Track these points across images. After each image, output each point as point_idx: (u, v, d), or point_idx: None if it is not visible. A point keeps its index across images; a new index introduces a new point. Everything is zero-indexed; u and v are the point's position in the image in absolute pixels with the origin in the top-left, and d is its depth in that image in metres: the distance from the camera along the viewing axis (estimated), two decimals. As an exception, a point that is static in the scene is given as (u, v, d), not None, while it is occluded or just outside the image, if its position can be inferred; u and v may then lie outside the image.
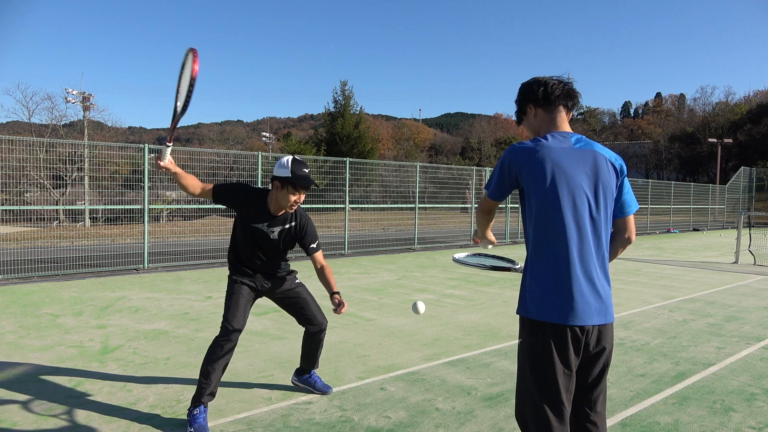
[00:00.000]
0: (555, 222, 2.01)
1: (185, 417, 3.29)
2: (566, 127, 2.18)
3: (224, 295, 3.50)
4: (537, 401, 2.00)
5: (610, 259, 2.19)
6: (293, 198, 3.25)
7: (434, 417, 3.39)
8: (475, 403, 3.61)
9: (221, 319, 3.39)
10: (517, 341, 5.15)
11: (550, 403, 1.98)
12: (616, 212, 2.16)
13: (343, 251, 12.41)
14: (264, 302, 6.79)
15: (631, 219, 2.19)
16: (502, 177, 2.14)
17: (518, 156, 2.08)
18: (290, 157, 3.25)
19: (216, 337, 3.31)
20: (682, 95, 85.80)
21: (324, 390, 3.76)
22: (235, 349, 4.78)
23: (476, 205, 2.42)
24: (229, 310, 3.38)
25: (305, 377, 3.81)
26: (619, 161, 2.16)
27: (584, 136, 2.16)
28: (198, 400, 3.19)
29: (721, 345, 5.20)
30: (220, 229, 14.37)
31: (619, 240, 2.21)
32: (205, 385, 3.20)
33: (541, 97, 2.16)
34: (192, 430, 3.09)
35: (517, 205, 16.69)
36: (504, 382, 4.03)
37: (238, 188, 3.42)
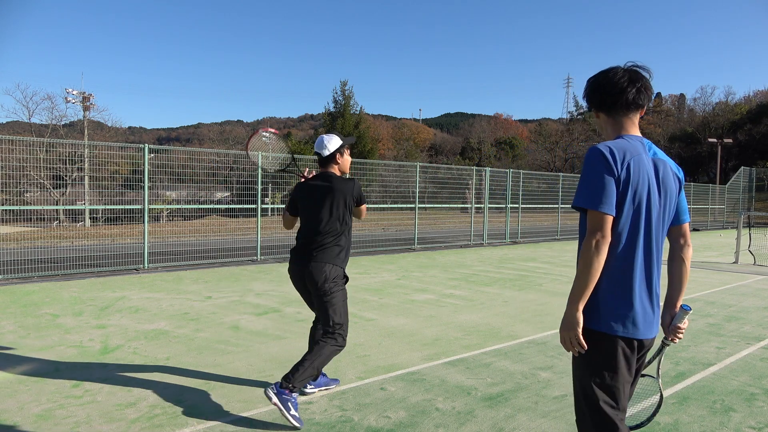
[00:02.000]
0: (632, 235, 1.91)
1: (186, 417, 3.29)
2: (636, 131, 2.03)
3: (225, 295, 3.52)
4: (607, 414, 1.92)
5: (686, 272, 2.10)
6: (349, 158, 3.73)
7: (434, 417, 3.39)
8: (475, 403, 3.61)
9: (338, 328, 3.46)
10: (516, 341, 5.15)
11: (615, 416, 1.92)
12: (672, 220, 2.09)
13: (343, 251, 12.39)
14: (264, 302, 6.82)
15: (687, 226, 2.11)
16: (609, 181, 1.86)
17: (623, 157, 1.89)
18: (324, 135, 3.63)
19: (338, 344, 3.44)
20: (682, 95, 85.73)
21: (334, 382, 3.89)
22: (235, 349, 4.81)
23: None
24: (348, 319, 3.56)
25: (321, 380, 3.81)
26: (680, 172, 2.07)
27: (650, 142, 2.04)
28: (301, 386, 3.30)
29: (721, 345, 5.20)
30: (220, 229, 14.37)
31: (678, 249, 2.10)
32: (312, 376, 3.37)
33: (600, 103, 2.03)
34: (296, 414, 3.22)
35: (516, 205, 16.79)
36: (504, 382, 4.03)
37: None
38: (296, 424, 3.16)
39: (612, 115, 2.03)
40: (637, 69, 2.01)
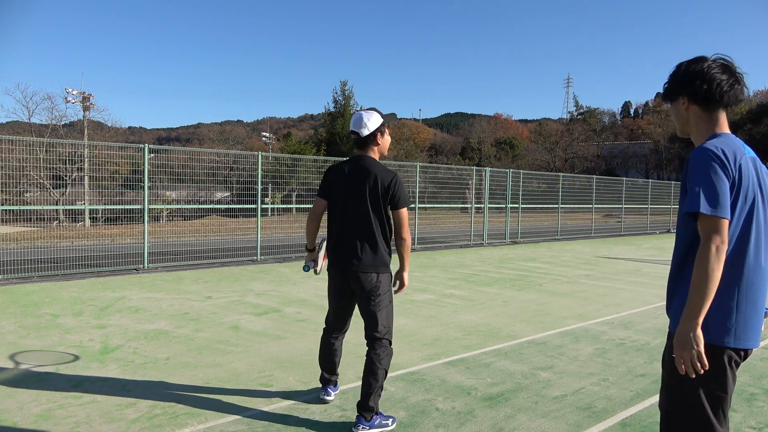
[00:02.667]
0: (743, 239, 1.82)
1: (186, 417, 3.29)
2: (727, 128, 1.92)
3: (225, 295, 3.49)
4: (713, 428, 1.84)
5: None
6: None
7: (434, 417, 3.39)
8: (475, 403, 3.62)
9: (386, 333, 3.33)
10: (516, 341, 5.15)
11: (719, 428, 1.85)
12: None
13: (343, 251, 12.37)
14: (264, 302, 6.81)
15: None
16: (724, 184, 1.76)
17: (734, 157, 1.79)
18: (363, 112, 3.25)
19: (389, 349, 3.30)
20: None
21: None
22: (235, 349, 4.80)
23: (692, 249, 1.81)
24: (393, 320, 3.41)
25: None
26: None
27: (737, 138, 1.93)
28: (378, 406, 3.22)
29: (721, 345, 5.20)
30: (220, 229, 14.37)
31: None
32: (381, 390, 3.26)
33: (701, 96, 1.89)
34: (389, 420, 3.23)
35: (516, 205, 16.79)
36: (504, 382, 4.03)
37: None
38: (394, 426, 3.23)
39: (709, 111, 1.90)
40: (732, 65, 1.91)
